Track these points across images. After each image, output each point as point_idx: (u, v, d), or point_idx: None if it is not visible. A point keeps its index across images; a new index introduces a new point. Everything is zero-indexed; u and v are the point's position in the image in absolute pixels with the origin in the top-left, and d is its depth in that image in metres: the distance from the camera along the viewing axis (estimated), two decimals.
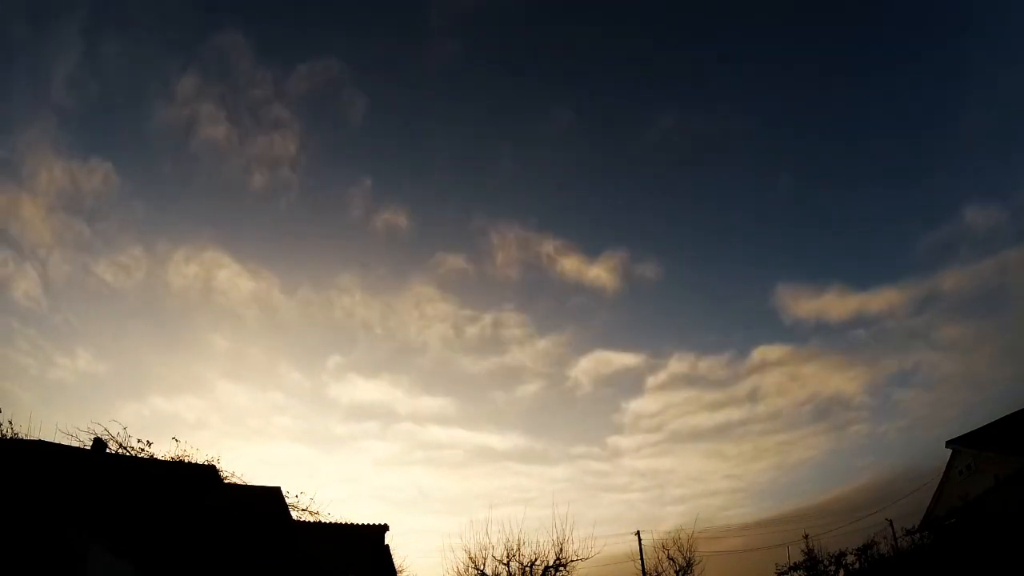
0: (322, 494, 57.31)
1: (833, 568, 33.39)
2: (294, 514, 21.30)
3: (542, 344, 66.48)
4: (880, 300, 59.87)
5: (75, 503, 11.83)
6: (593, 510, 66.95)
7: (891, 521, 35.22)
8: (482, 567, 25.92)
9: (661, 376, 64.37)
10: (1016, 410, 28.89)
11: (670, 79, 64.07)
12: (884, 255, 63.62)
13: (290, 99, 61.20)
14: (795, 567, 34.32)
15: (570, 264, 63.57)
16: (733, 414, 64.26)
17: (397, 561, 25.06)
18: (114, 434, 19.56)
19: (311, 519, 23.71)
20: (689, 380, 65.09)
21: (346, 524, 22.60)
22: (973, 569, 22.26)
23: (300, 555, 17.47)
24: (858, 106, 61.81)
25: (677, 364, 64.10)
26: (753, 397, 63.79)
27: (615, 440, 66.30)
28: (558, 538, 26.22)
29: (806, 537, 35.16)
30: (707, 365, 64.61)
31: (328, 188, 66.52)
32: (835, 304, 60.70)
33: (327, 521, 23.46)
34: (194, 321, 67.45)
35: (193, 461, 20.03)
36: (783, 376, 64.65)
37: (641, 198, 67.86)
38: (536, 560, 26.07)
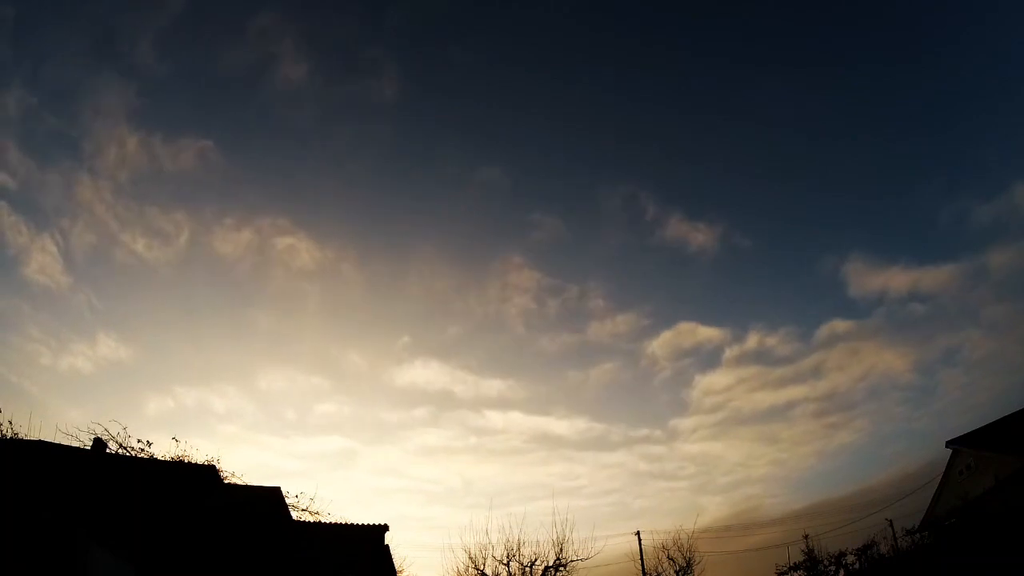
0: (356, 485, 56.66)
1: (833, 568, 33.35)
2: (294, 514, 21.28)
3: (622, 318, 65.67)
4: (936, 276, 60.18)
5: (75, 503, 11.83)
6: (637, 500, 65.02)
7: (891, 521, 35.28)
8: (482, 567, 25.92)
9: (735, 350, 64.00)
10: (1016, 410, 28.92)
11: (772, 51, 63.91)
12: (942, 231, 63.28)
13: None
14: (795, 567, 34.26)
15: (671, 230, 63.13)
16: (795, 392, 63.99)
17: (397, 561, 25.07)
18: (114, 434, 19.54)
19: (311, 519, 23.68)
20: (758, 356, 64.85)
21: (346, 524, 22.57)
22: (973, 569, 22.25)
23: (300, 555, 17.46)
24: (924, 86, 62.11)
25: (751, 338, 63.86)
26: (816, 373, 63.49)
27: (676, 422, 65.78)
28: (558, 538, 26.23)
29: (806, 537, 35.14)
30: (775, 340, 64.11)
31: (418, 141, 63.19)
32: (897, 279, 60.81)
33: (327, 521, 23.43)
34: (239, 298, 61.78)
35: (193, 461, 20.02)
36: (845, 353, 64.05)
37: (738, 168, 67.22)
38: (536, 560, 26.08)
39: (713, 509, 61.94)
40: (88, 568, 10.52)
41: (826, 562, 33.41)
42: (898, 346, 63.45)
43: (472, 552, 25.97)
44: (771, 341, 63.75)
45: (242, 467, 52.66)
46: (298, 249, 60.14)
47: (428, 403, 65.14)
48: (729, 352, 64.25)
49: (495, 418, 64.89)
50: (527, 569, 25.96)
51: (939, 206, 63.32)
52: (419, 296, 65.77)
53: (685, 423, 65.20)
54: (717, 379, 64.90)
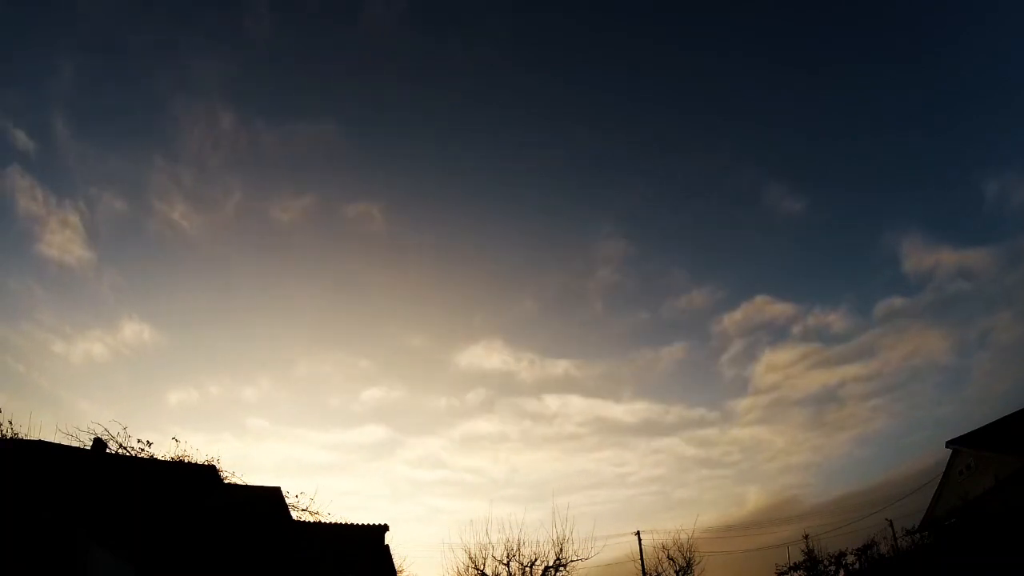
0: (391, 477, 55.28)
1: (833, 568, 33.35)
2: (294, 514, 21.26)
3: (698, 293, 64.94)
4: (980, 257, 59.69)
5: (75, 503, 11.83)
6: (679, 490, 64.88)
7: (891, 521, 35.28)
8: (482, 567, 25.93)
9: (800, 327, 63.33)
10: (1016, 410, 28.91)
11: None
12: (989, 212, 62.34)
13: None
14: (795, 567, 34.28)
15: (762, 200, 61.98)
16: (847, 372, 63.11)
17: (397, 561, 25.07)
18: (114, 434, 19.53)
19: (311, 519, 23.67)
20: (818, 332, 63.93)
21: (346, 524, 22.57)
22: (973, 569, 22.24)
23: (300, 555, 17.46)
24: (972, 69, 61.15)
25: (814, 314, 63.05)
26: (869, 353, 62.79)
27: (733, 404, 65.34)
28: (558, 538, 26.25)
29: (806, 537, 35.19)
30: (836, 316, 63.43)
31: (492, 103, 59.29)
32: (947, 258, 60.07)
33: (327, 521, 23.42)
34: (288, 274, 58.12)
35: (193, 461, 20.01)
36: (897, 332, 63.43)
37: (818, 141, 65.38)
38: (536, 560, 26.09)
39: (753, 500, 61.35)
40: (88, 568, 10.52)
41: (826, 562, 33.43)
42: (940, 327, 62.80)
43: (472, 552, 26.03)
44: (831, 318, 63.00)
45: (268, 463, 50.19)
46: (362, 219, 57.35)
47: (484, 387, 63.74)
48: (795, 328, 63.46)
49: (552, 403, 63.52)
50: (527, 569, 25.98)
51: (992, 187, 62.00)
52: (492, 273, 64.64)
53: (741, 404, 64.39)
54: (780, 357, 64.02)
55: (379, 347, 64.56)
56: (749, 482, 64.03)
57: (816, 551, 34.03)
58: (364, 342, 64.51)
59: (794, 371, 64.53)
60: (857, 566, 32.74)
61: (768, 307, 63.11)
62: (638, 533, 38.24)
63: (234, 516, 15.61)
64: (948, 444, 29.67)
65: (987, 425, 29.29)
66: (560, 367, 64.13)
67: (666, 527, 53.00)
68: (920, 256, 60.86)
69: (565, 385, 64.22)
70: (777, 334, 66.01)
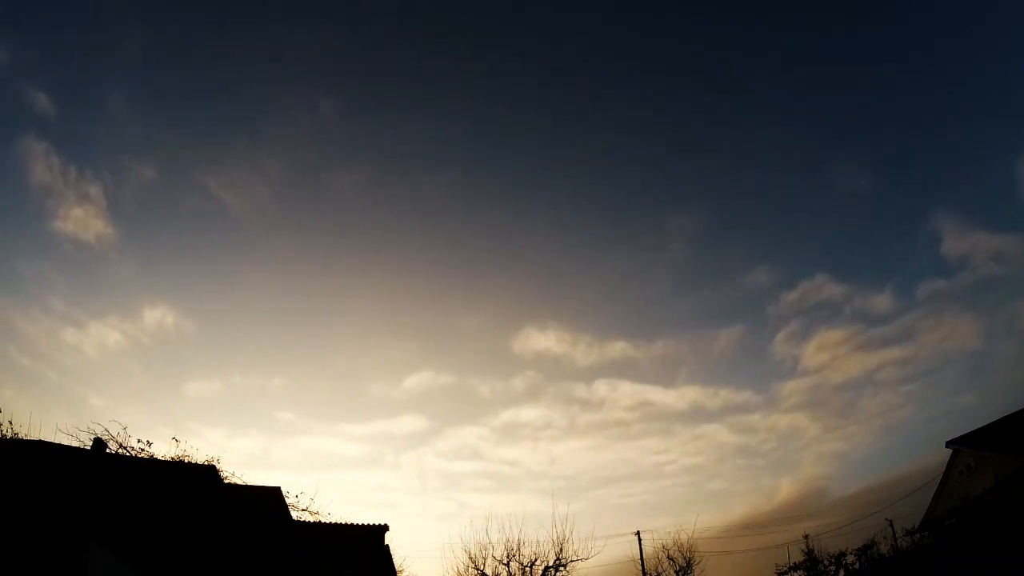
0: (423, 469, 53.65)
1: (833, 568, 33.35)
2: (294, 514, 21.26)
3: (762, 270, 63.72)
4: (1013, 243, 57.19)
5: (75, 503, 11.83)
6: (712, 480, 63.82)
7: (891, 521, 35.27)
8: (482, 567, 25.92)
9: (850, 308, 61.71)
10: (1016, 410, 28.91)
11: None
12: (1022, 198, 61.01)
13: None
14: (795, 567, 34.28)
15: (828, 176, 60.28)
16: (886, 356, 61.98)
17: (397, 561, 25.07)
18: (114, 434, 19.53)
19: (311, 519, 23.67)
20: (863, 314, 62.47)
21: (346, 524, 22.57)
22: (973, 569, 22.24)
23: (300, 555, 17.46)
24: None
25: (862, 296, 61.65)
26: (908, 336, 61.49)
27: (779, 387, 63.94)
28: (558, 538, 26.25)
29: (806, 537, 35.18)
30: (882, 298, 61.82)
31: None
32: (982, 243, 58.56)
33: (327, 521, 23.42)
34: (338, 251, 54.95)
35: (193, 461, 20.01)
36: (934, 316, 61.84)
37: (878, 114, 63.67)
38: (536, 560, 26.08)
39: (784, 491, 60.33)
40: (88, 568, 10.52)
41: (826, 562, 33.43)
42: (973, 312, 61.24)
43: (472, 552, 26.02)
44: (878, 299, 61.73)
45: (294, 458, 46.48)
46: (416, 194, 54.84)
47: (535, 371, 62.22)
48: (847, 309, 62.30)
49: (602, 388, 62.24)
50: (527, 569, 25.97)
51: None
52: (558, 250, 62.35)
53: (787, 387, 63.29)
54: (828, 339, 62.76)
55: (429, 329, 62.28)
56: (782, 472, 63.26)
57: (816, 551, 34.06)
58: (413, 324, 62.01)
59: (839, 353, 63.43)
60: (857, 566, 32.73)
61: (825, 287, 62.10)
62: (638, 533, 38.28)
63: (234, 516, 15.61)
64: (948, 444, 29.66)
65: (987, 425, 29.28)
66: (616, 349, 62.88)
67: (667, 527, 53.01)
68: (958, 240, 59.50)
69: (618, 369, 63.11)
70: (829, 315, 64.42)
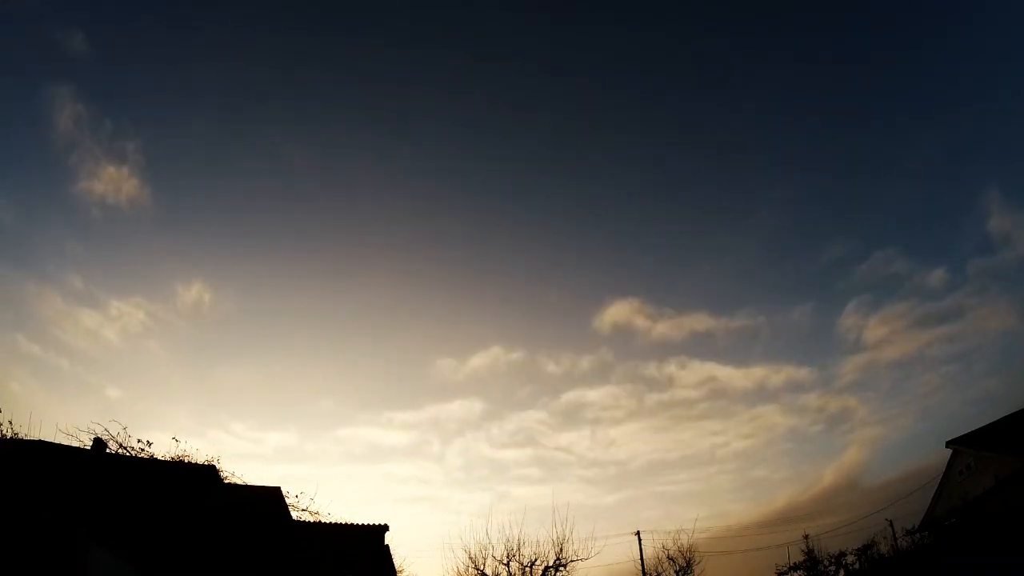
0: (469, 458, 52.11)
1: (833, 568, 33.34)
2: (294, 514, 21.27)
3: (837, 243, 63.23)
4: None
5: (75, 503, 11.83)
6: (756, 468, 63.39)
7: (891, 521, 35.26)
8: (482, 567, 25.91)
9: (914, 282, 61.16)
10: (1016, 410, 28.91)
11: None
12: None
13: None
14: (795, 567, 34.26)
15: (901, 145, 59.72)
16: (935, 334, 61.39)
17: (397, 561, 25.07)
18: (114, 434, 19.52)
19: (311, 519, 23.67)
20: (921, 288, 61.92)
21: (346, 524, 22.57)
22: (973, 569, 22.23)
23: (300, 555, 17.45)
24: None
25: (925, 271, 60.87)
26: (958, 314, 60.25)
27: (838, 362, 62.97)
28: (558, 538, 26.23)
29: (806, 537, 35.16)
30: (937, 273, 61.16)
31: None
32: None
33: (327, 521, 23.42)
34: (405, 215, 51.19)
35: (193, 461, 20.01)
36: (979, 294, 60.95)
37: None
38: (536, 560, 26.07)
39: (821, 481, 59.42)
40: (88, 568, 10.51)
41: (826, 562, 33.42)
42: (1013, 292, 60.09)
43: (472, 552, 26.00)
44: (936, 274, 61.04)
45: (334, 451, 44.43)
46: (496, 169, 53.10)
47: (607, 347, 61.42)
48: (908, 284, 61.80)
49: (672, 367, 61.68)
50: (527, 569, 25.96)
51: None
52: (642, 222, 61.83)
53: (845, 365, 62.58)
54: (888, 315, 62.29)
55: (505, 304, 61.25)
56: (824, 459, 62.81)
57: (816, 551, 34.05)
58: (487, 299, 60.79)
59: (896, 330, 63.09)
60: (857, 566, 32.72)
61: (894, 262, 62.03)
62: (638, 533, 38.32)
63: (234, 516, 15.61)
64: (948, 444, 29.67)
65: (987, 425, 29.29)
66: (695, 322, 62.43)
67: (668, 527, 52.70)
68: (1003, 216, 58.87)
69: (692, 345, 63.20)
70: (893, 290, 64.04)
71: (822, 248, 65.27)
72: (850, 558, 33.05)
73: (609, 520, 63.03)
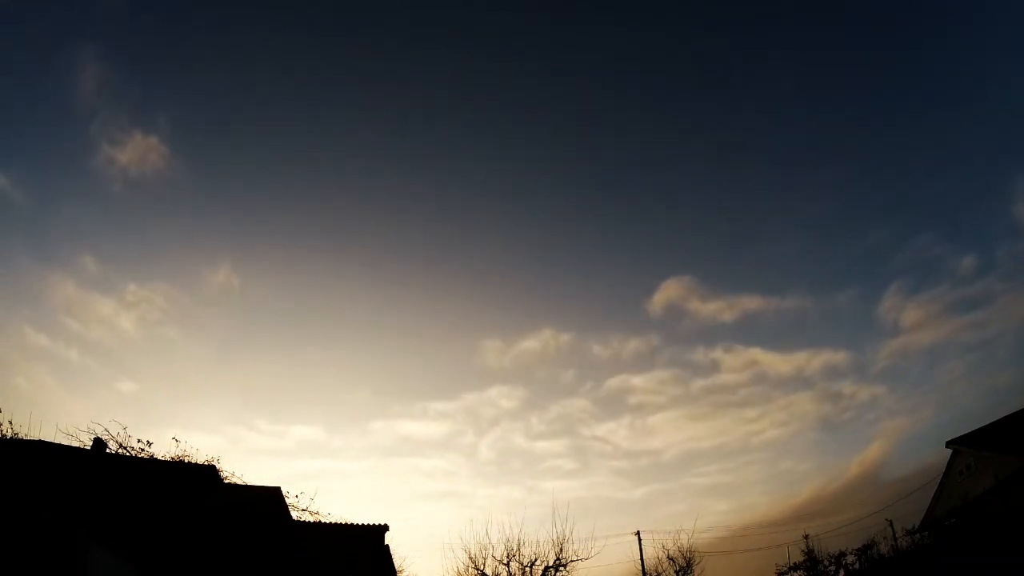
0: (500, 448, 50.85)
1: (833, 568, 33.33)
2: (294, 514, 21.28)
3: (872, 234, 61.99)
4: None
5: (75, 503, 11.83)
6: (784, 459, 61.83)
7: (891, 521, 35.26)
8: (482, 567, 25.92)
9: (952, 266, 59.29)
10: (1016, 410, 28.91)
11: None
12: None
13: None
14: (795, 567, 34.26)
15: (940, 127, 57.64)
16: (962, 321, 59.63)
17: (397, 561, 25.07)
18: (114, 434, 19.54)
19: (311, 519, 23.69)
20: (955, 273, 60.11)
21: (346, 524, 22.59)
22: (973, 569, 22.23)
23: (300, 555, 17.46)
24: None
25: (959, 257, 58.83)
26: (987, 300, 58.54)
27: (875, 350, 61.44)
28: (558, 538, 26.25)
29: (806, 537, 35.15)
30: (969, 261, 59.09)
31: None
32: None
33: (327, 521, 23.43)
34: (454, 191, 48.32)
35: (193, 461, 20.02)
36: (1005, 281, 58.17)
37: None
38: (536, 560, 26.08)
39: (851, 472, 58.44)
40: (88, 568, 10.51)
41: (826, 562, 33.42)
42: None
43: (472, 552, 26.01)
44: (967, 260, 59.11)
45: (361, 444, 43.02)
46: (554, 144, 50.85)
47: (654, 332, 60.69)
48: (946, 269, 60.11)
49: (718, 351, 60.63)
50: (527, 569, 25.97)
51: None
52: (697, 202, 60.36)
53: (883, 349, 61.53)
54: (924, 299, 60.86)
55: (556, 284, 59.43)
56: (850, 450, 62.00)
57: (816, 551, 34.04)
58: (539, 280, 58.77)
59: (930, 314, 61.78)
60: (857, 566, 32.71)
61: (934, 247, 60.90)
62: (638, 533, 38.32)
63: (234, 516, 15.61)
64: (948, 444, 29.67)
65: (987, 425, 29.28)
66: (744, 304, 61.19)
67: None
68: None
69: (738, 330, 61.94)
70: (930, 275, 62.43)
71: (867, 232, 64.53)
72: (850, 558, 33.05)
73: (634, 515, 62.52)
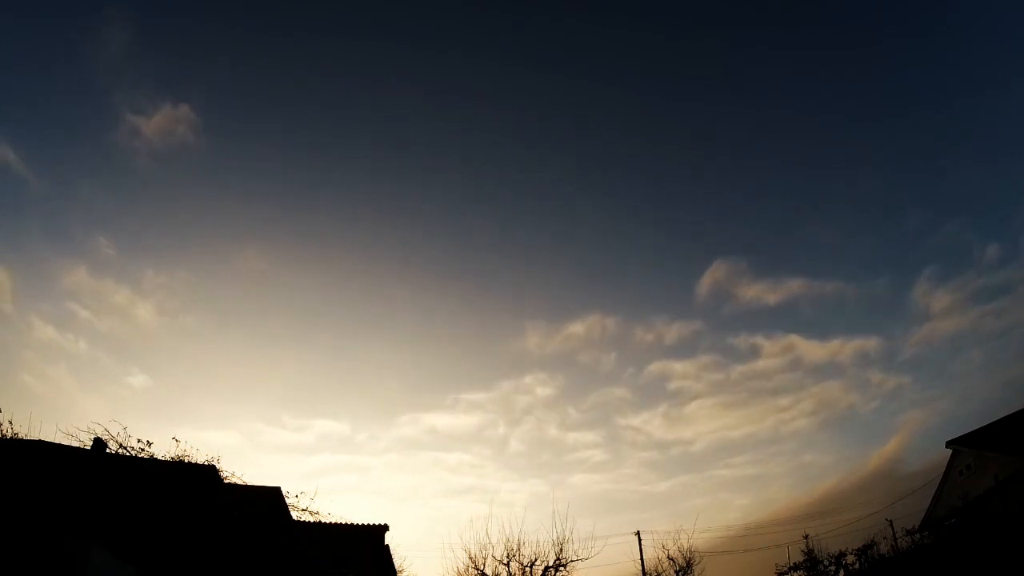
0: (534, 438, 50.32)
1: (833, 568, 33.34)
2: (294, 514, 21.28)
3: (907, 220, 62.64)
4: None
5: (75, 504, 11.82)
6: (808, 452, 62.48)
7: (891, 521, 35.30)
8: (482, 567, 25.90)
9: (976, 255, 59.78)
10: (1016, 410, 28.91)
11: None
12: None
13: None
14: (795, 567, 34.27)
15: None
16: (985, 310, 60.36)
17: (397, 561, 25.07)
18: (114, 434, 19.52)
19: (311, 519, 23.68)
20: (985, 263, 60.42)
21: (346, 524, 22.59)
22: (973, 569, 22.23)
23: (300, 555, 17.46)
24: None
25: (988, 244, 59.15)
26: (1006, 288, 58.67)
27: (905, 335, 61.74)
28: (558, 538, 26.22)
29: (806, 537, 35.21)
30: (993, 249, 59.79)
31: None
32: None
33: (327, 521, 23.43)
34: (496, 171, 49.01)
35: (193, 461, 20.00)
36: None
37: None
38: (536, 560, 26.06)
39: (871, 465, 58.45)
40: (88, 568, 10.50)
41: (826, 562, 33.42)
42: None
43: (472, 552, 25.99)
44: (992, 247, 59.90)
45: (387, 440, 42.16)
46: (596, 122, 51.57)
47: (699, 319, 61.34)
48: (975, 256, 60.71)
49: (758, 338, 61.42)
50: (527, 569, 25.95)
51: None
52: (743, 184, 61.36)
53: (911, 336, 61.87)
54: (952, 286, 61.31)
55: (605, 267, 60.15)
56: (871, 442, 62.53)
57: (816, 551, 34.05)
58: (588, 263, 59.19)
59: (956, 301, 62.15)
60: (857, 566, 32.72)
61: (964, 233, 61.64)
62: (637, 533, 38.36)
63: (234, 516, 15.61)
64: (948, 444, 29.69)
65: (987, 425, 29.30)
66: (789, 288, 61.44)
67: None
68: None
69: (779, 315, 62.46)
70: (959, 263, 63.25)
71: (904, 216, 65.39)
72: (850, 558, 33.06)
73: (657, 509, 62.12)
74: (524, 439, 55.39)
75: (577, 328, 59.43)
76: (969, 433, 29.42)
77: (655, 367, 61.22)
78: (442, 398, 53.82)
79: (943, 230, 64.22)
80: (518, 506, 48.20)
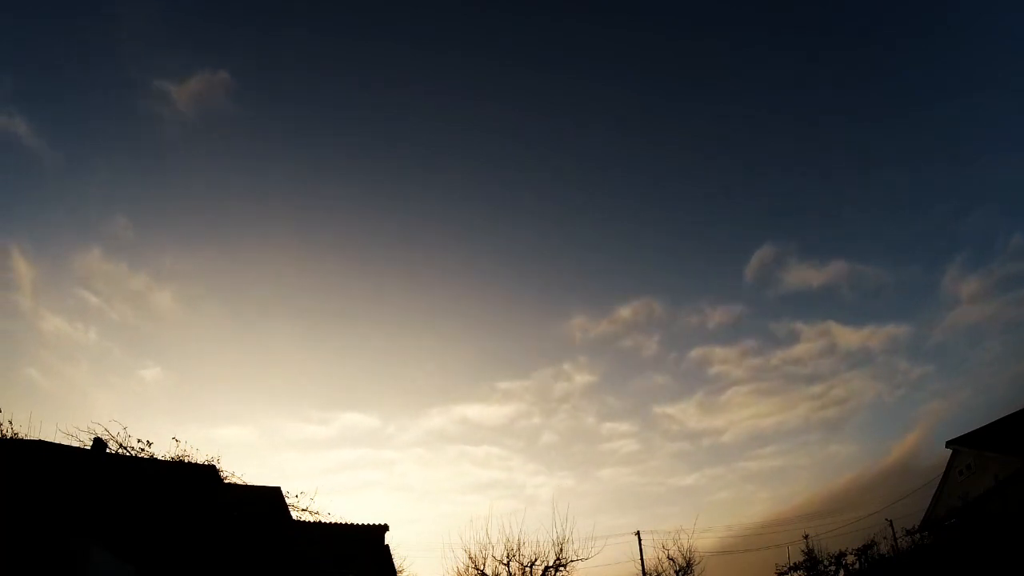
0: (570, 427, 50.67)
1: (833, 568, 33.33)
2: (294, 514, 21.28)
3: (939, 207, 62.58)
4: None
5: (75, 504, 11.82)
6: (832, 444, 62.22)
7: (891, 521, 35.28)
8: (482, 567, 25.90)
9: (1014, 242, 58.86)
10: (1016, 410, 28.91)
11: None
12: None
13: None
14: (795, 567, 34.26)
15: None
16: (1013, 297, 59.51)
17: (397, 561, 25.06)
18: (114, 434, 19.52)
19: (311, 519, 23.68)
20: (1005, 250, 60.04)
21: (346, 524, 22.59)
22: (973, 569, 22.23)
23: (300, 555, 17.46)
24: None
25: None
26: None
27: (931, 324, 61.21)
28: (558, 538, 26.23)
29: (806, 537, 35.19)
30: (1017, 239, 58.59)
31: None
32: None
33: (327, 521, 23.43)
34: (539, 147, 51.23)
35: (193, 461, 20.00)
36: None
37: None
38: (536, 560, 26.06)
39: (892, 458, 58.00)
40: (88, 568, 10.50)
41: (826, 562, 33.42)
42: None
43: (472, 552, 25.99)
44: (1018, 236, 59.64)
45: (416, 432, 41.71)
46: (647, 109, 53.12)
47: (743, 303, 61.23)
48: (1011, 243, 60.12)
49: (798, 325, 60.72)
50: (527, 569, 25.95)
51: None
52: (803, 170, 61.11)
53: (939, 323, 61.26)
54: (984, 271, 60.92)
55: (657, 250, 60.80)
56: (892, 434, 62.31)
57: (816, 551, 34.04)
58: (639, 246, 59.66)
59: (981, 292, 61.96)
60: (857, 566, 32.71)
61: (993, 220, 61.63)
62: (638, 533, 38.36)
63: (234, 516, 15.61)
64: (948, 444, 29.69)
65: (987, 425, 29.32)
66: (832, 271, 60.92)
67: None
68: None
69: (819, 301, 61.76)
70: (986, 250, 63.05)
71: (934, 203, 65.43)
72: (850, 558, 33.05)
73: (681, 503, 62.13)
74: (557, 429, 55.59)
75: (625, 312, 60.09)
76: (969, 433, 29.43)
77: (696, 352, 61.90)
78: (476, 387, 53.63)
79: (973, 216, 63.80)
80: (542, 501, 47.52)
